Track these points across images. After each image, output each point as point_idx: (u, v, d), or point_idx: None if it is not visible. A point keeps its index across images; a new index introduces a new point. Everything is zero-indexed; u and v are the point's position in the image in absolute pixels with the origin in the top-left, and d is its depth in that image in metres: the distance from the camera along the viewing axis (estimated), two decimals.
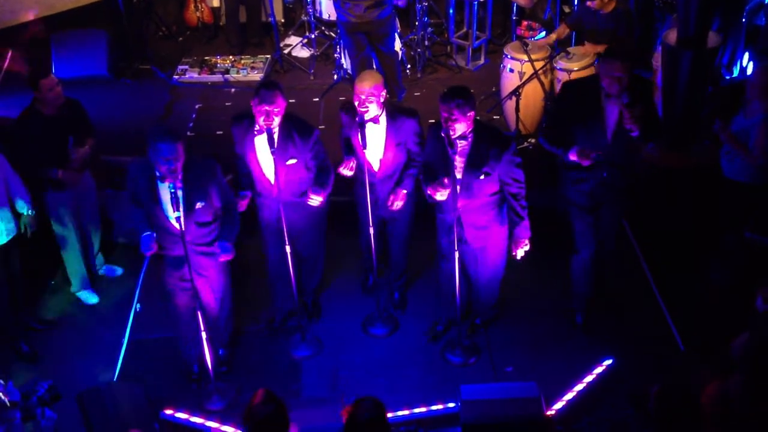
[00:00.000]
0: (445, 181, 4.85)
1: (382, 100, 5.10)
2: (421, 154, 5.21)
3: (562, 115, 5.15)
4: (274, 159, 4.93)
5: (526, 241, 5.09)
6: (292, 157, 5.07)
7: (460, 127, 4.76)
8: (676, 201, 6.33)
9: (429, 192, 4.91)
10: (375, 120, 5.10)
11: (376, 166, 5.28)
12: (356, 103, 5.04)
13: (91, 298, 6.04)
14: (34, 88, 5.47)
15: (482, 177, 4.89)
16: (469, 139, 4.83)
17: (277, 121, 4.90)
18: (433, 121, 5.23)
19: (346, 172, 5.22)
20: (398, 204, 5.26)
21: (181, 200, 4.60)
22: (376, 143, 5.19)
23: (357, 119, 5.02)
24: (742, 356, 3.87)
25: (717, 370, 4.55)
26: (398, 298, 5.90)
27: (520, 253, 5.13)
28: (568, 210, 5.36)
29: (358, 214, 5.66)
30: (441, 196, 4.87)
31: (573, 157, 5.01)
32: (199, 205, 4.72)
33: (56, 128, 5.51)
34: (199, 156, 4.89)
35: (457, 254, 5.01)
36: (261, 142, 4.99)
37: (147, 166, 4.68)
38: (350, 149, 5.30)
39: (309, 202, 5.14)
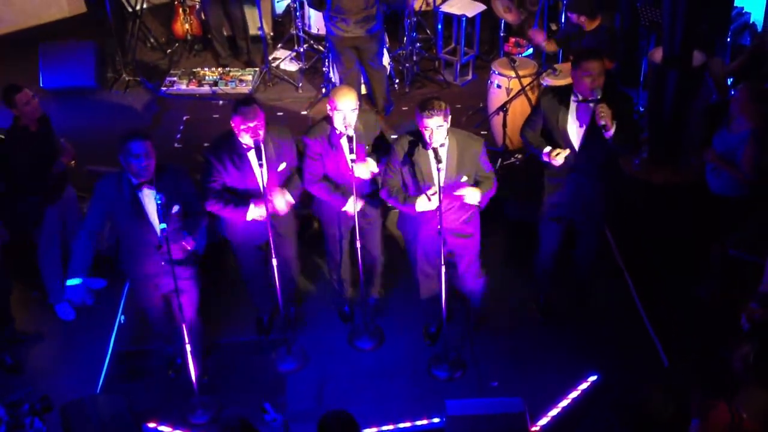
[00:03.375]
0: (428, 193, 4.89)
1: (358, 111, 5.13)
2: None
3: (535, 117, 5.26)
4: (267, 169, 4.93)
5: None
6: (281, 162, 5.11)
7: (443, 135, 4.79)
8: (661, 215, 6.38)
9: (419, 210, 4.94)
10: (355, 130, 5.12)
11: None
12: (341, 119, 5.02)
13: (67, 314, 5.99)
14: (10, 105, 5.43)
15: (464, 179, 4.94)
16: (446, 145, 4.86)
17: (262, 134, 4.93)
18: (395, 137, 5.25)
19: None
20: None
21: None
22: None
23: (339, 134, 5.03)
24: (746, 370, 3.83)
25: (702, 386, 4.57)
26: (374, 304, 5.89)
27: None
28: (541, 214, 5.45)
29: (331, 241, 5.60)
30: (428, 205, 4.90)
31: (545, 158, 5.09)
32: (175, 209, 4.76)
33: (39, 142, 5.50)
34: (168, 163, 4.92)
35: (443, 268, 5.02)
36: (252, 157, 4.99)
37: (119, 181, 4.70)
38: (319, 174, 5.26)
39: (276, 202, 5.13)
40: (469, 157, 4.95)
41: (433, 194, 4.84)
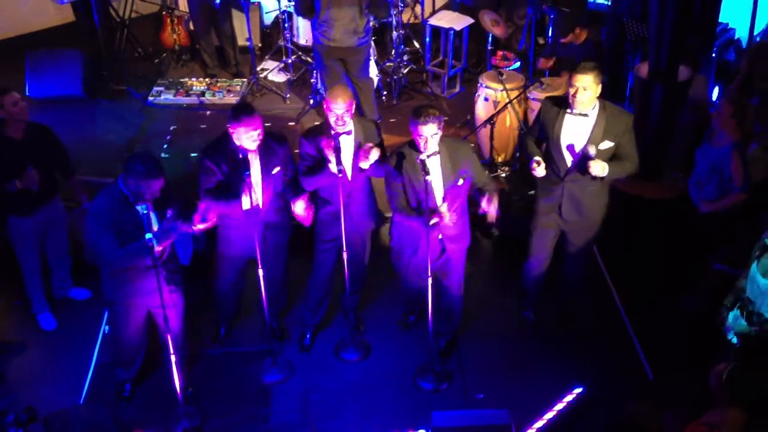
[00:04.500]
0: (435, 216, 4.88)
1: (352, 112, 5.14)
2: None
3: (536, 125, 5.30)
4: (261, 174, 4.98)
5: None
6: (275, 166, 5.13)
7: (436, 145, 4.80)
8: (646, 229, 6.41)
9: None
10: (348, 132, 5.12)
11: (350, 177, 5.28)
12: (333, 119, 5.05)
13: (49, 323, 5.94)
14: None
15: (460, 182, 4.96)
16: (439, 151, 4.87)
17: (259, 141, 4.96)
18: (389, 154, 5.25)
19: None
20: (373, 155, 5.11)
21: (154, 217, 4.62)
22: (348, 154, 5.22)
23: (335, 134, 5.02)
24: (720, 387, 3.87)
25: (687, 401, 4.60)
26: (355, 306, 5.88)
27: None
28: (532, 222, 5.45)
29: (321, 245, 5.57)
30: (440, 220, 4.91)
31: (531, 167, 5.11)
32: (168, 213, 4.74)
33: (20, 151, 5.36)
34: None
35: (430, 280, 5.03)
36: (247, 161, 4.98)
37: (116, 195, 4.64)
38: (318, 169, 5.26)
39: (295, 209, 5.13)
40: (460, 162, 4.96)
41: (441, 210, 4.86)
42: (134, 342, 5.19)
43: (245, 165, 4.87)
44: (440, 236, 5.00)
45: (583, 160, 4.95)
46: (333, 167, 5.01)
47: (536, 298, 5.82)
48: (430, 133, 4.74)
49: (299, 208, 5.13)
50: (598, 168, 4.88)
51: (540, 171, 5.05)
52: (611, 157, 5.01)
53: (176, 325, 5.09)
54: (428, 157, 4.77)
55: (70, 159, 5.80)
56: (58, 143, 5.69)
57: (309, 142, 5.18)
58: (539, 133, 5.25)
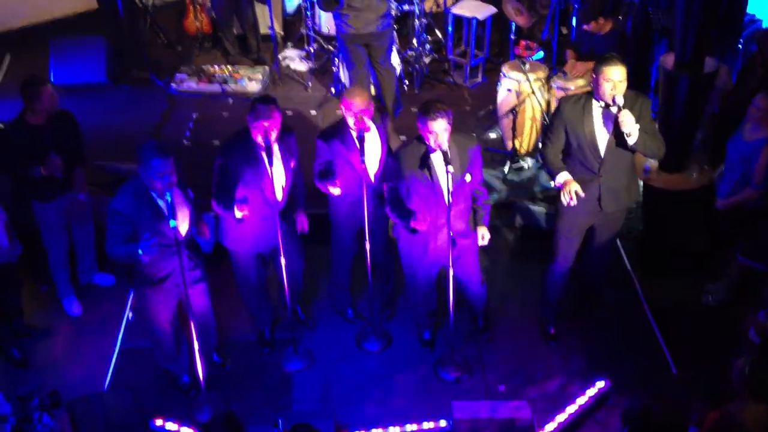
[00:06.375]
0: (420, 215, 4.89)
1: (372, 113, 5.13)
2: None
3: (557, 130, 5.14)
4: (283, 167, 4.99)
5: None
6: (290, 159, 5.14)
7: (446, 140, 4.75)
8: (670, 220, 6.36)
9: (413, 226, 4.91)
10: (368, 129, 5.08)
11: (372, 179, 5.29)
12: (351, 120, 5.04)
13: (74, 308, 6.00)
14: (30, 97, 5.33)
15: (468, 178, 4.94)
16: (448, 145, 4.82)
17: (275, 135, 4.91)
18: (401, 143, 5.25)
19: (335, 190, 5.18)
20: None
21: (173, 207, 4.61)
22: (373, 155, 5.21)
23: (357, 135, 5.01)
24: (742, 382, 3.86)
25: (711, 394, 4.58)
26: (387, 301, 5.90)
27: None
28: (556, 220, 5.39)
29: (341, 240, 5.60)
30: (424, 225, 4.89)
31: (558, 185, 5.04)
32: (191, 194, 4.83)
33: (43, 138, 5.39)
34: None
35: (451, 271, 5.03)
36: (266, 156, 4.95)
37: (135, 195, 4.65)
38: (330, 174, 5.24)
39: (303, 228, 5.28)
40: (467, 155, 4.94)
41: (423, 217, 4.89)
42: (169, 333, 5.17)
43: (269, 153, 4.86)
44: (451, 233, 4.94)
45: (617, 135, 4.85)
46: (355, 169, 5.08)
47: (559, 308, 5.69)
48: (440, 129, 4.69)
49: (300, 224, 5.23)
50: (629, 118, 4.72)
51: (570, 197, 4.95)
52: None
53: (202, 310, 5.11)
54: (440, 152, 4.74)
55: (85, 148, 5.82)
56: (78, 129, 5.72)
57: (326, 145, 5.18)
58: (562, 136, 5.06)
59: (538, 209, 6.58)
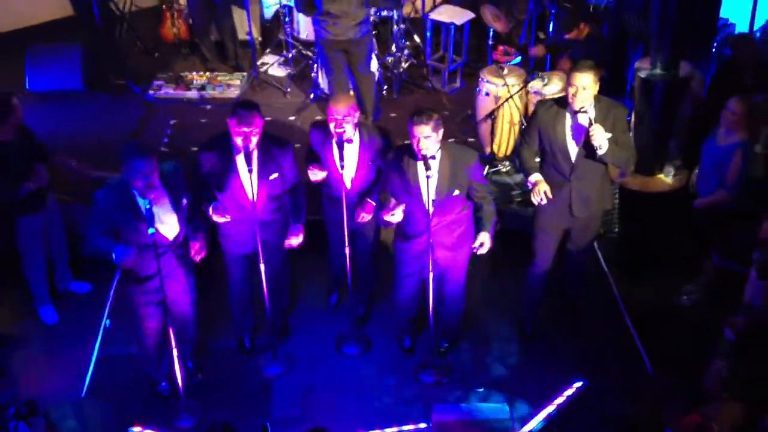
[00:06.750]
0: (392, 202, 4.90)
1: (355, 120, 5.13)
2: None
3: (532, 133, 5.21)
4: (257, 176, 4.91)
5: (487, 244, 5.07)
6: (273, 172, 5.07)
7: (433, 147, 4.78)
8: (645, 223, 6.42)
9: (383, 216, 4.93)
10: (349, 140, 5.12)
11: (348, 185, 5.30)
12: (332, 125, 5.06)
13: (50, 317, 5.95)
14: (2, 116, 5.27)
15: (456, 193, 4.94)
16: (438, 157, 4.86)
17: (255, 141, 4.89)
18: (391, 148, 5.26)
19: (316, 176, 5.22)
20: (366, 216, 5.27)
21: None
22: (349, 162, 5.22)
23: (336, 140, 5.02)
24: (719, 384, 3.88)
25: (687, 396, 4.61)
26: (362, 313, 5.90)
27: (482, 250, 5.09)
28: (534, 221, 5.42)
29: (329, 234, 5.68)
30: (394, 217, 4.89)
31: (529, 185, 5.12)
32: (184, 201, 4.75)
33: (15, 152, 5.35)
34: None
35: (431, 275, 5.03)
36: (242, 162, 4.96)
37: (118, 190, 4.64)
38: (315, 162, 5.30)
39: (291, 242, 5.19)
40: (462, 171, 4.93)
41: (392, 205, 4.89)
42: (151, 334, 5.12)
43: (248, 160, 4.85)
44: (430, 240, 4.92)
45: (587, 145, 4.90)
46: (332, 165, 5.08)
47: (538, 309, 5.72)
48: (422, 134, 4.71)
49: (295, 241, 5.19)
50: (600, 132, 4.79)
51: (544, 198, 5.03)
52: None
53: (185, 313, 5.10)
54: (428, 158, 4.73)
55: (44, 145, 5.75)
56: (33, 134, 5.65)
57: (313, 134, 5.28)
58: (537, 139, 5.15)
59: (517, 211, 6.61)
